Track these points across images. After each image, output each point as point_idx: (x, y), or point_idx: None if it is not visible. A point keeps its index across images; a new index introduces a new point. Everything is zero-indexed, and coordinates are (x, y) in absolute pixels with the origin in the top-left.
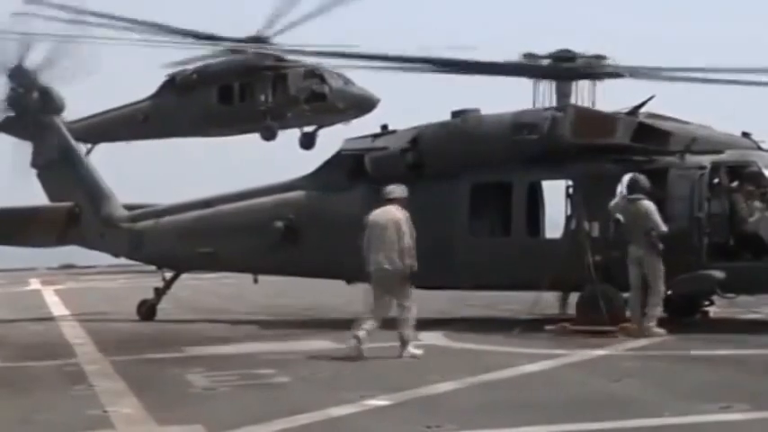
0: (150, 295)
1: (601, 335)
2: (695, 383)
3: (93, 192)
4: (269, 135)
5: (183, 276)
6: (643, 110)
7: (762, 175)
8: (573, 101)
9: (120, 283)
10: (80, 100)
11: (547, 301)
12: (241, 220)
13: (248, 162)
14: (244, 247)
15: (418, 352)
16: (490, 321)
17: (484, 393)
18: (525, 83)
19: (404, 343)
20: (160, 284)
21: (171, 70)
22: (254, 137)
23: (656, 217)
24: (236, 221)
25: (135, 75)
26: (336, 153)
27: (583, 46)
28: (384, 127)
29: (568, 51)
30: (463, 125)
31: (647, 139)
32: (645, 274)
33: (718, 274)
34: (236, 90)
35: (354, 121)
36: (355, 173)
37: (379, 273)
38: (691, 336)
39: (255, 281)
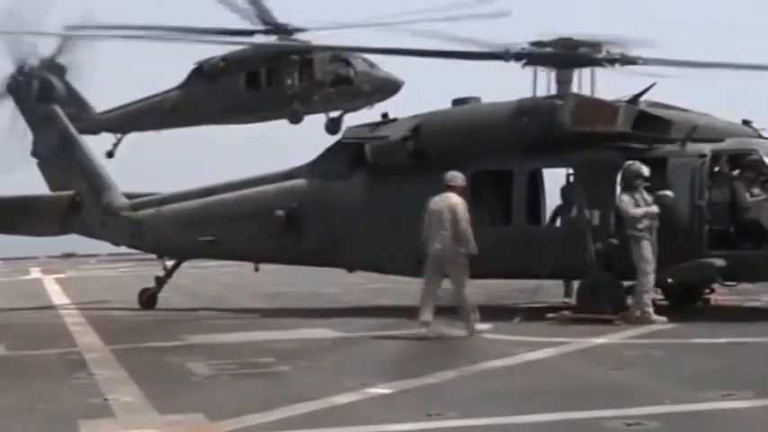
0: (151, 284)
1: (601, 323)
2: (696, 371)
3: (93, 180)
4: (296, 119)
5: (184, 265)
6: (644, 98)
7: (762, 163)
8: (573, 89)
9: (122, 271)
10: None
11: (547, 290)
12: (242, 209)
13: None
14: (245, 236)
15: (485, 326)
16: (491, 309)
17: (484, 382)
18: (526, 70)
19: (467, 323)
20: (161, 273)
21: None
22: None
23: (631, 209)
24: (238, 210)
25: (170, 76)
26: (337, 141)
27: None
28: (385, 115)
29: (570, 39)
30: (464, 113)
31: (647, 128)
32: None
33: (719, 261)
34: (262, 76)
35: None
36: (356, 161)
37: (435, 256)
38: (692, 323)
39: (256, 269)
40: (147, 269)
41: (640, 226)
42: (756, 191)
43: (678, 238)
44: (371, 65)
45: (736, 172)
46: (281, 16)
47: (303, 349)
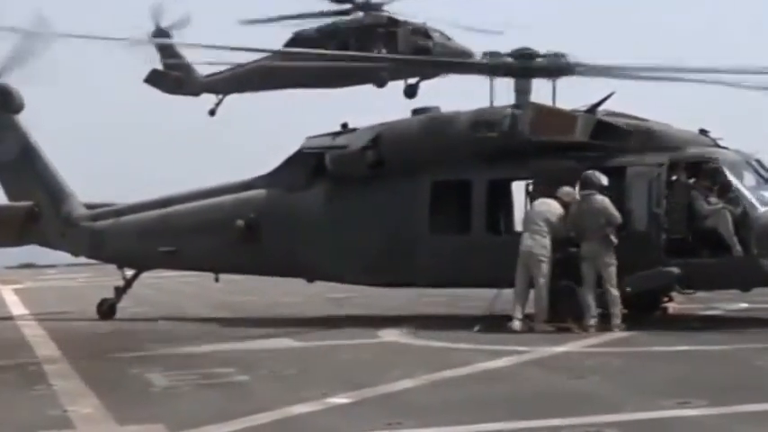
0: (111, 294)
1: (561, 331)
2: (654, 379)
3: (53, 191)
4: (381, 83)
5: (144, 275)
6: (602, 107)
7: (719, 171)
8: (532, 98)
9: (81, 282)
10: None
11: (507, 298)
12: (202, 219)
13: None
14: (205, 246)
15: (550, 328)
16: (451, 318)
17: (445, 390)
18: (484, 80)
19: (532, 319)
20: (120, 283)
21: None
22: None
23: (614, 209)
24: (198, 220)
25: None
26: (297, 151)
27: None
28: (344, 125)
29: (528, 49)
30: (423, 123)
31: (606, 137)
32: (599, 271)
33: (677, 270)
34: (352, 45)
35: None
36: (316, 171)
37: (522, 253)
38: (650, 332)
39: (216, 279)
40: (106, 279)
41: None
42: (713, 199)
43: (636, 246)
44: (447, 38)
45: (693, 180)
46: None
47: (263, 359)
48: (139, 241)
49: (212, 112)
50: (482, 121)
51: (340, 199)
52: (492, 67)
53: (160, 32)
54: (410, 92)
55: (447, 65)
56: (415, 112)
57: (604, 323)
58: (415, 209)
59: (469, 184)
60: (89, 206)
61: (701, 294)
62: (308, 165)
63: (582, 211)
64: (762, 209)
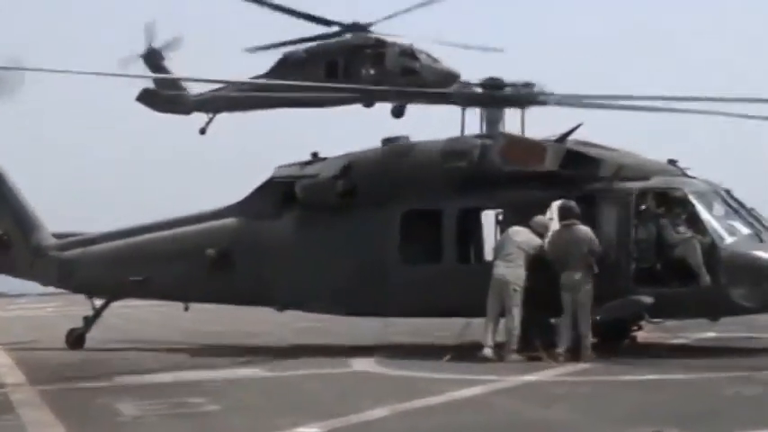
0: (80, 324)
1: (531, 360)
2: (625, 408)
3: (22, 221)
4: (369, 104)
5: (114, 304)
6: (571, 137)
7: (687, 200)
8: (502, 128)
9: (49, 311)
10: None
11: (477, 327)
12: (173, 248)
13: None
14: (175, 275)
15: (520, 358)
16: (422, 348)
17: (415, 419)
18: (455, 110)
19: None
20: (90, 313)
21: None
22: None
23: (596, 238)
24: (168, 249)
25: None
26: (267, 180)
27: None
28: (315, 154)
29: (498, 79)
30: (393, 153)
31: (575, 166)
32: (576, 300)
33: (646, 299)
34: (341, 66)
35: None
36: (286, 200)
37: (494, 281)
38: (619, 361)
39: (186, 308)
40: (76, 309)
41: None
42: (682, 228)
43: (605, 275)
44: (434, 59)
45: (662, 210)
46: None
47: (233, 389)
48: (109, 270)
49: (203, 131)
50: (452, 150)
51: (310, 228)
52: (462, 96)
53: (152, 52)
54: (397, 112)
55: (415, 94)
56: (386, 141)
57: (574, 352)
58: (386, 238)
59: (440, 214)
60: (57, 236)
61: (669, 323)
62: (279, 194)
63: (564, 240)
64: (729, 239)
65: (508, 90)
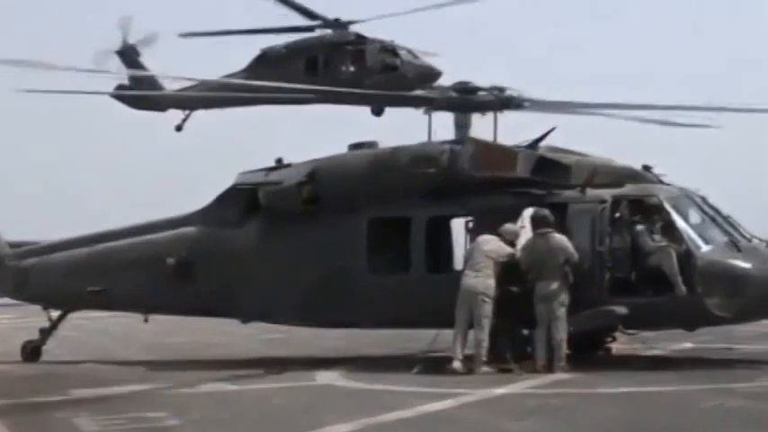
0: (36, 336)
1: (502, 372)
2: (598, 421)
3: None
4: (351, 103)
5: (71, 316)
6: (543, 143)
7: (663, 208)
8: (472, 133)
9: (4, 323)
10: None
11: (447, 339)
12: (133, 257)
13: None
14: (134, 285)
15: (490, 370)
16: (390, 360)
17: None
18: (423, 115)
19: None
20: (46, 324)
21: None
22: None
23: (572, 247)
24: (128, 258)
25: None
26: (230, 187)
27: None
28: (279, 160)
29: (469, 83)
30: (360, 159)
31: (547, 173)
32: (551, 311)
33: (621, 309)
34: (320, 62)
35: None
36: (249, 208)
37: (463, 291)
38: (593, 373)
39: (146, 320)
40: (31, 320)
41: None
42: (657, 237)
43: (579, 285)
44: (415, 55)
45: (636, 217)
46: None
47: (196, 403)
48: (67, 280)
49: (179, 128)
50: (421, 156)
51: (274, 236)
52: (431, 100)
53: (127, 48)
54: (377, 110)
55: (384, 98)
56: (352, 147)
57: (548, 364)
58: (353, 247)
59: (408, 222)
60: (13, 245)
61: (645, 334)
62: (242, 201)
63: (539, 249)
64: (705, 247)
65: (481, 94)
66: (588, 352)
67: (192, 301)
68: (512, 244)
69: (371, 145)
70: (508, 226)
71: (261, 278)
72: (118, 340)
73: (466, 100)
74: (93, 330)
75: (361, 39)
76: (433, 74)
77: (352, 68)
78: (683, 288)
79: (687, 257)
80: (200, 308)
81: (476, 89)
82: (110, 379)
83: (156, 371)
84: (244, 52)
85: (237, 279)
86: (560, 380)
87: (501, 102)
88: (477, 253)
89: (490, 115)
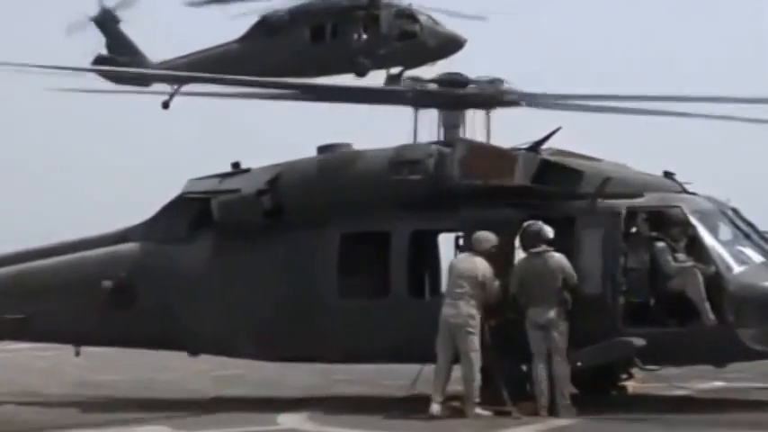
0: None
1: (498, 415)
2: None
3: None
4: (361, 72)
5: None
6: (547, 145)
7: (687, 222)
8: (463, 134)
9: None
10: None
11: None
12: (60, 279)
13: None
14: (64, 313)
15: (485, 413)
16: (365, 400)
17: None
18: (406, 111)
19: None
20: None
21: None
22: None
23: (572, 268)
24: (55, 280)
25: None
26: (177, 196)
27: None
28: (236, 165)
29: (459, 75)
30: (331, 163)
31: (551, 180)
32: (549, 342)
33: (638, 341)
34: (328, 30)
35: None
36: (200, 220)
37: (442, 323)
38: (605, 416)
39: (77, 353)
40: None
41: None
42: (681, 256)
43: (588, 313)
44: (436, 22)
45: (656, 233)
46: None
47: None
48: None
49: (166, 105)
50: (403, 160)
51: (229, 254)
52: (415, 95)
53: (105, 14)
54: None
55: (361, 92)
56: (322, 149)
57: (550, 406)
58: (321, 267)
59: (387, 237)
60: None
61: (666, 371)
62: (191, 213)
63: (534, 269)
64: (738, 268)
65: (471, 88)
66: (599, 391)
67: (132, 331)
68: (493, 255)
69: (344, 147)
70: (480, 233)
71: (213, 303)
72: (43, 377)
73: (454, 95)
74: (14, 365)
75: (373, 2)
76: (456, 42)
77: (364, 36)
78: (712, 316)
79: (716, 280)
80: (141, 339)
81: (467, 82)
82: (33, 422)
83: (89, 412)
84: None
85: (186, 305)
86: (566, 425)
87: (496, 97)
88: (452, 276)
89: (482, 112)
